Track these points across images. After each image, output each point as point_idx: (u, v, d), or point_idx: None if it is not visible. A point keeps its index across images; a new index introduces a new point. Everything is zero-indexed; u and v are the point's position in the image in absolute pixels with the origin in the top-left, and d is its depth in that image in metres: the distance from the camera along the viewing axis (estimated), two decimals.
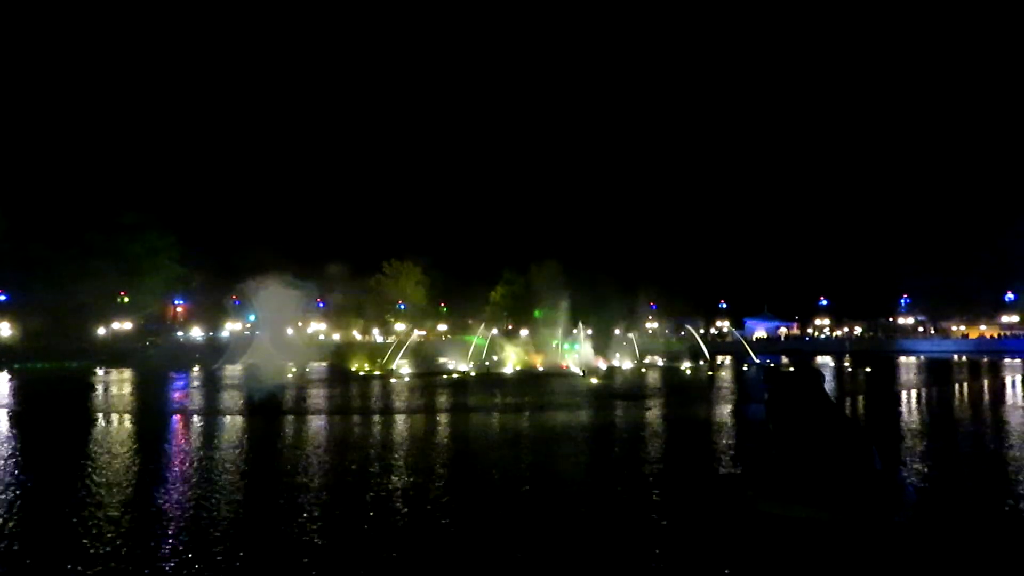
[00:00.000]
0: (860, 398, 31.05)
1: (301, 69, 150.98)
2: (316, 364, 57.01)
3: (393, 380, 42.01)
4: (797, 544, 4.82)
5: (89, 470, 15.15)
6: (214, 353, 64.63)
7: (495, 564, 9.13)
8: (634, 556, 9.28)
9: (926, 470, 14.79)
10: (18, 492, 13.06)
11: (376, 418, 24.85)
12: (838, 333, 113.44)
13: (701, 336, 74.15)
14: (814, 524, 4.68)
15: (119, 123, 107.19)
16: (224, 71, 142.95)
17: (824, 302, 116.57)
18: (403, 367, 50.67)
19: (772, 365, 52.42)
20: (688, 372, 48.28)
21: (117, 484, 13.73)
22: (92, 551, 9.44)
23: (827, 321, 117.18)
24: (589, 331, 54.73)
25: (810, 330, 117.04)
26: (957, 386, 37.58)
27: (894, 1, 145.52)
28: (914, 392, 34.20)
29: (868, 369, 49.54)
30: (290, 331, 73.61)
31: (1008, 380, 41.50)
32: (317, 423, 23.40)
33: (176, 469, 15.46)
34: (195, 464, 15.88)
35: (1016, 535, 10.28)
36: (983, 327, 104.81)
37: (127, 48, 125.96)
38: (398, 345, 57.66)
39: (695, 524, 10.83)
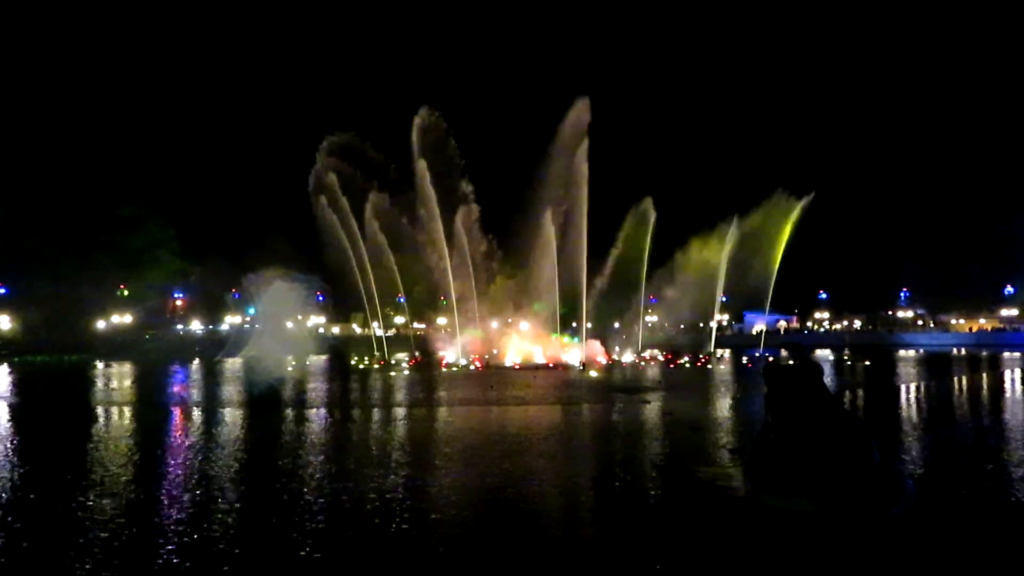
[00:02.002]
0: (859, 391, 31.08)
1: (297, 61, 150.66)
2: (315, 357, 57.00)
3: (392, 374, 42.01)
4: (798, 537, 4.81)
5: (84, 464, 15.18)
6: (214, 346, 64.64)
7: (498, 557, 9.12)
8: (634, 551, 9.27)
9: (924, 463, 14.82)
10: (12, 489, 13.07)
11: (365, 413, 24.81)
12: (837, 327, 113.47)
13: (700, 329, 74.07)
14: (814, 517, 4.68)
15: (118, 116, 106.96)
16: (222, 63, 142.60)
17: (824, 296, 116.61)
18: (402, 360, 50.70)
19: (771, 359, 52.43)
20: (688, 365, 48.29)
21: (111, 479, 13.74)
22: (85, 539, 9.45)
23: (827, 315, 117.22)
24: (589, 324, 54.64)
25: (810, 324, 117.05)
26: (956, 380, 37.62)
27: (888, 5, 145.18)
28: (913, 385, 34.23)
29: (867, 363, 49.58)
30: (290, 324, 73.53)
31: (1007, 373, 41.57)
32: (312, 418, 23.41)
33: (171, 464, 15.44)
34: (189, 459, 15.87)
35: (1013, 527, 10.29)
36: (982, 320, 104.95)
37: (126, 41, 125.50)
38: (397, 339, 57.68)
39: (695, 519, 10.83)
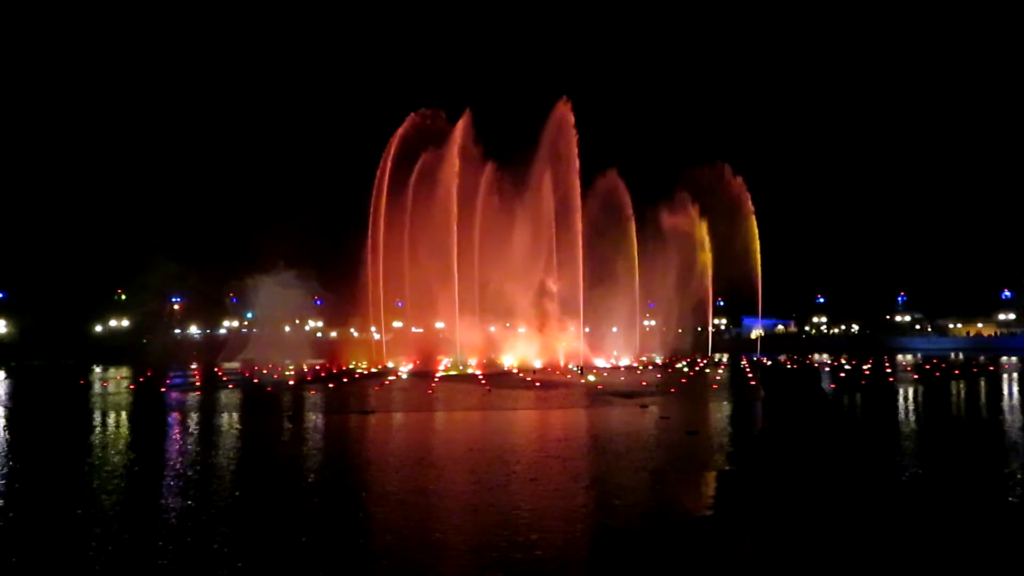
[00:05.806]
0: (857, 396, 31.09)
1: (295, 68, 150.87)
2: (313, 361, 56.87)
3: (390, 378, 41.83)
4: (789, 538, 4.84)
5: (78, 468, 15.16)
6: (212, 350, 64.56)
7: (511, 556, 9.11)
8: (631, 550, 9.27)
9: (920, 463, 14.87)
10: (8, 496, 13.05)
11: (359, 418, 24.69)
12: (835, 331, 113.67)
13: (698, 334, 74.11)
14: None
15: (115, 121, 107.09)
16: (218, 71, 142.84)
17: (821, 300, 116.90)
18: (400, 364, 50.62)
19: (769, 363, 52.49)
20: (686, 369, 48.28)
21: (106, 483, 13.73)
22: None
23: (824, 319, 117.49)
24: (587, 328, 54.64)
25: (807, 328, 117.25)
26: (954, 384, 37.63)
27: (887, 6, 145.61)
28: (911, 389, 34.26)
29: (865, 367, 49.61)
30: (288, 328, 73.52)
31: (1004, 378, 41.65)
32: (306, 423, 23.35)
33: (165, 472, 15.40)
34: (182, 467, 15.82)
35: (1006, 526, 10.31)
36: (980, 324, 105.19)
37: (123, 46, 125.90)
38: (394, 342, 57.60)
39: (694, 519, 10.82)
